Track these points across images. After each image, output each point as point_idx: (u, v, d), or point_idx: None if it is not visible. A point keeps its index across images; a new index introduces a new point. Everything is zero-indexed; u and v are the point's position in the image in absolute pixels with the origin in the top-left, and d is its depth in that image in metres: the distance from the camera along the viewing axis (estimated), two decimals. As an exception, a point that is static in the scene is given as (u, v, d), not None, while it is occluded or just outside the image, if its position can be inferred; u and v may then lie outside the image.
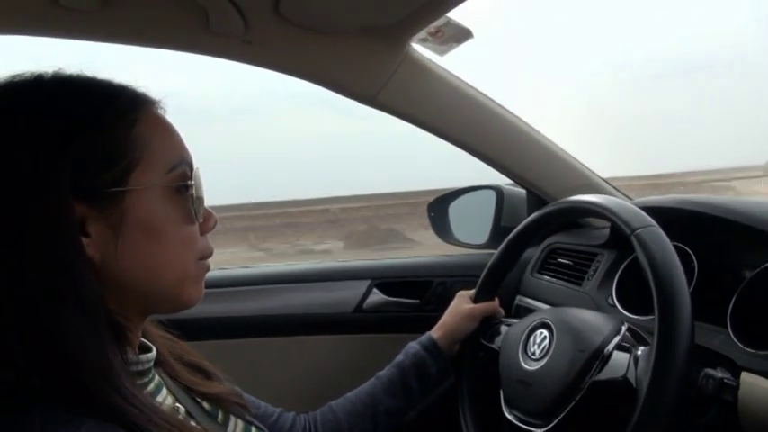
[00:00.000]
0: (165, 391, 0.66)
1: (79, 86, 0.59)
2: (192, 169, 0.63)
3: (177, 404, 0.67)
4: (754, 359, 0.76)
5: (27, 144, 0.54)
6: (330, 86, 1.11)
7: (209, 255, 0.66)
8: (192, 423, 0.65)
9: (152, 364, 0.65)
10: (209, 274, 1.27)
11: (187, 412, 0.67)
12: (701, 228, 0.96)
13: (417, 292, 1.37)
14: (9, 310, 0.51)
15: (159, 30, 0.99)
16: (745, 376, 0.76)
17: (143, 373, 0.63)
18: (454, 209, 1.56)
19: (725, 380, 0.73)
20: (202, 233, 0.65)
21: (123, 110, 0.59)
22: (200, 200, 0.63)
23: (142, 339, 0.66)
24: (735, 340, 0.80)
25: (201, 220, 0.64)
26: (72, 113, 0.56)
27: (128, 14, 0.92)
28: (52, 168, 0.53)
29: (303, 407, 0.99)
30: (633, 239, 0.77)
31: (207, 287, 1.26)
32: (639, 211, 0.81)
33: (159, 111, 0.64)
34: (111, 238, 0.56)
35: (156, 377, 0.66)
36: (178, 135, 0.65)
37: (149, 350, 0.66)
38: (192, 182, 0.62)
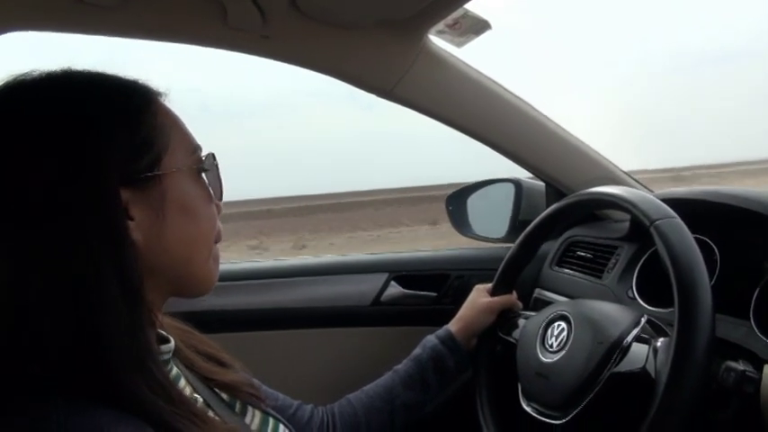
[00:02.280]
0: (183, 381, 0.67)
1: (106, 81, 0.62)
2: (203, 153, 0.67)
3: (195, 394, 0.67)
4: None
5: (74, 136, 0.55)
6: (348, 80, 1.11)
7: (221, 237, 0.68)
8: (210, 413, 0.66)
9: (171, 354, 0.66)
10: (229, 267, 1.29)
11: (205, 402, 0.68)
12: (723, 220, 0.94)
13: (435, 285, 1.37)
14: (49, 297, 0.52)
15: (178, 25, 1.00)
16: (767, 369, 0.75)
17: (164, 364, 0.63)
18: (473, 202, 1.55)
19: (746, 372, 0.72)
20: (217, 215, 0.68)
21: (146, 101, 0.62)
22: (219, 181, 0.67)
23: (159, 330, 0.67)
24: (758, 332, 0.79)
25: (220, 200, 0.68)
26: (111, 107, 0.59)
27: (147, 10, 0.93)
28: (102, 158, 0.56)
29: (321, 400, 1.00)
30: (653, 231, 0.76)
31: (227, 279, 1.29)
32: (659, 202, 0.80)
33: (167, 102, 0.66)
34: (155, 219, 0.59)
35: (175, 368, 0.67)
36: (184, 123, 0.68)
37: (167, 341, 0.67)
38: (215, 162, 0.67)
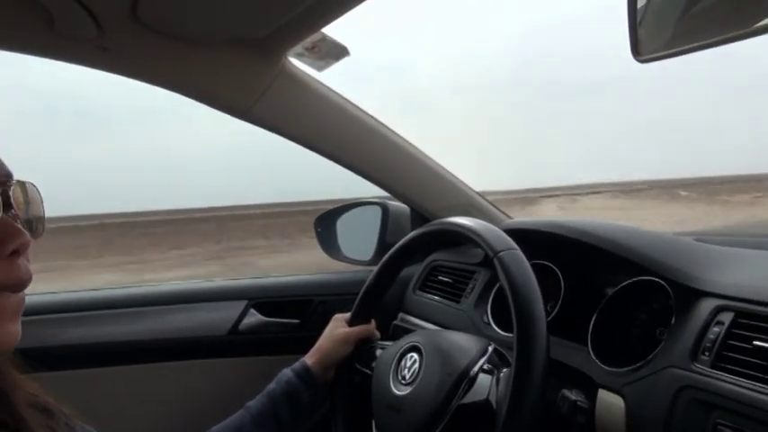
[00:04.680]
0: None
1: None
2: None
3: None
4: (609, 377, 0.79)
5: None
6: (200, 99, 1.05)
7: (21, 285, 0.54)
8: None
9: None
10: (64, 296, 1.15)
11: None
12: (567, 248, 0.99)
13: (298, 311, 1.33)
14: None
15: (2, 30, 0.88)
16: (601, 394, 0.79)
17: None
18: (342, 224, 1.53)
19: (578, 402, 0.75)
20: (3, 257, 0.53)
21: None
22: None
23: None
24: (593, 358, 0.83)
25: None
26: None
27: None
28: None
29: None
30: (496, 261, 0.78)
31: (63, 311, 1.17)
32: (503, 234, 0.82)
33: None
34: None
35: None
36: None
37: None
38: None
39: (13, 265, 0.52)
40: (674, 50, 0.60)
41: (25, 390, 0.64)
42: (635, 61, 0.62)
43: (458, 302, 1.16)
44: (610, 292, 0.90)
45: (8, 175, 0.56)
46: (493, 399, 0.75)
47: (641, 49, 0.62)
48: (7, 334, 0.52)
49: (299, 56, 1.04)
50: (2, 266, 0.51)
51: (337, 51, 1.00)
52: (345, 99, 1.16)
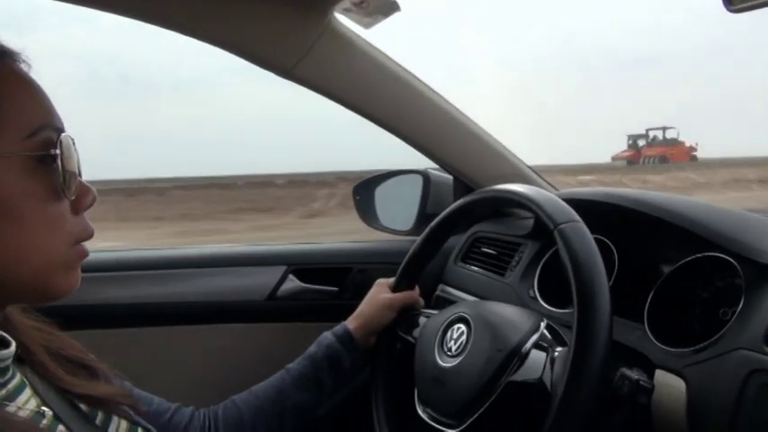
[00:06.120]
0: (27, 392, 0.58)
1: None
2: (59, 136, 0.54)
3: (44, 407, 0.58)
4: (668, 357, 0.75)
5: None
6: (243, 55, 1.01)
7: (87, 237, 0.58)
8: (61, 427, 0.57)
9: (9, 361, 0.57)
10: (105, 255, 1.16)
11: (55, 416, 0.58)
12: (623, 221, 0.94)
13: (336, 279, 1.31)
14: None
15: None
16: (659, 375, 0.75)
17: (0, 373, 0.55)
18: (380, 193, 1.50)
19: (641, 382, 0.71)
20: (77, 212, 0.57)
21: None
22: (71, 173, 0.55)
23: (1, 333, 0.58)
24: (651, 337, 0.79)
25: (73, 197, 0.56)
26: None
27: None
28: None
29: (210, 401, 0.92)
30: (556, 234, 0.74)
31: (103, 270, 1.17)
32: (564, 204, 0.78)
33: (21, 65, 0.55)
34: None
35: (18, 376, 0.58)
36: (44, 95, 0.56)
37: (8, 345, 0.57)
38: (59, 151, 0.54)
39: (85, 219, 0.58)
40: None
41: (52, 341, 0.65)
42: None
43: (502, 275, 1.12)
44: (667, 268, 0.85)
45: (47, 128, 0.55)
46: (547, 379, 0.72)
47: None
48: (75, 280, 0.57)
49: (346, 11, 0.99)
50: (78, 221, 0.57)
51: (387, 7, 0.95)
52: (392, 59, 1.11)
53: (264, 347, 1.23)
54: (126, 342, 1.18)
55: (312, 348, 0.98)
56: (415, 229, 1.35)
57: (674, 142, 34.89)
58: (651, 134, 36.44)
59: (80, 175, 0.58)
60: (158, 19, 0.94)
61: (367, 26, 1.03)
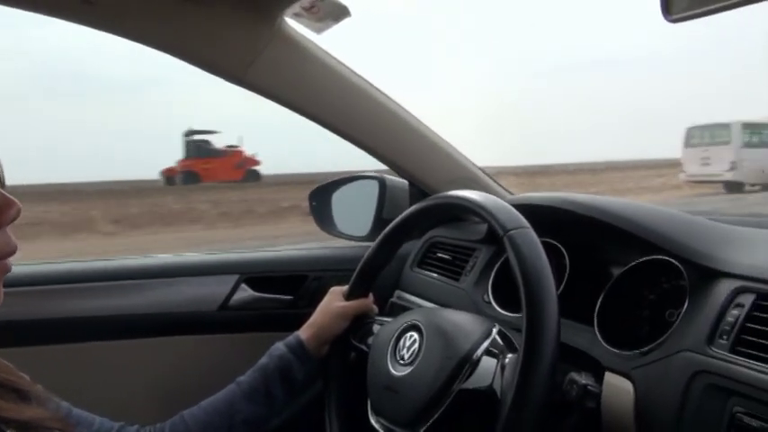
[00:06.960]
0: None
1: None
2: None
3: None
4: (617, 359, 0.76)
5: None
6: (191, 61, 0.99)
7: (10, 253, 0.56)
8: None
9: None
10: (42, 268, 1.10)
11: None
12: (575, 226, 0.96)
13: (291, 287, 1.28)
14: None
15: None
16: (608, 377, 0.76)
17: None
18: (337, 198, 1.48)
19: (588, 386, 0.71)
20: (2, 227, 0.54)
21: None
22: None
23: None
24: (600, 339, 0.80)
25: None
26: None
27: None
28: None
29: (159, 418, 0.90)
30: (506, 241, 0.74)
31: (42, 283, 1.12)
32: (514, 211, 0.78)
33: None
34: None
35: None
36: None
37: None
38: None
39: (7, 234, 0.55)
40: (704, 9, 0.56)
41: None
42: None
43: (457, 280, 1.12)
44: (617, 271, 0.86)
45: None
46: (497, 386, 0.72)
47: (671, 9, 0.58)
48: None
49: (296, 16, 0.98)
50: (0, 236, 0.54)
51: (338, 12, 0.95)
52: (344, 65, 1.10)
53: (216, 360, 1.20)
54: (68, 359, 1.13)
55: (263, 360, 0.96)
56: (372, 235, 1.34)
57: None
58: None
59: (3, 186, 0.55)
60: (105, 25, 0.91)
61: (318, 31, 1.02)
